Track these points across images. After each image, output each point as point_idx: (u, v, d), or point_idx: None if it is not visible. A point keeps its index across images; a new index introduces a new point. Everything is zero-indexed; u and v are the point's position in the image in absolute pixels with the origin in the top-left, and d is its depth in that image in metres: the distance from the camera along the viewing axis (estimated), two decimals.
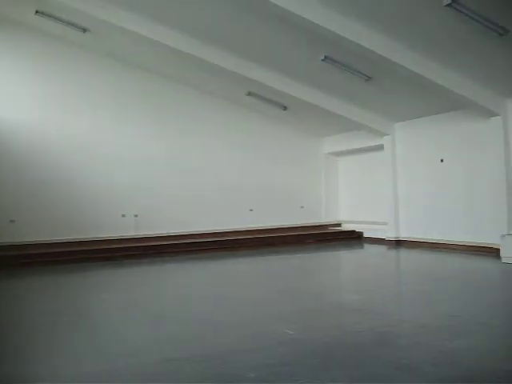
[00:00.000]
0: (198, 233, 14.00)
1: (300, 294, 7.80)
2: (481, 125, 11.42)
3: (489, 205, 11.19)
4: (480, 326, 5.58)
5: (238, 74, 11.76)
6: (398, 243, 13.68)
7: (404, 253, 12.63)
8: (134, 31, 10.38)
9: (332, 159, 17.13)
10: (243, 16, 9.52)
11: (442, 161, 12.60)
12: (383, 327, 5.57)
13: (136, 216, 13.31)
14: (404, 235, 13.71)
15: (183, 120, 14.46)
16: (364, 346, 4.88)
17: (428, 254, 11.93)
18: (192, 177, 14.40)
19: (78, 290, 8.70)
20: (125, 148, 13.49)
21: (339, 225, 16.80)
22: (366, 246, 14.53)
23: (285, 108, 14.42)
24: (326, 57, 10.45)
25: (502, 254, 10.03)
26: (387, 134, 14.03)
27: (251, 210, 15.20)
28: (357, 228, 15.91)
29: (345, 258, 12.86)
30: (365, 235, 15.54)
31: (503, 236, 10.21)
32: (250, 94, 13.77)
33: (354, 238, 15.58)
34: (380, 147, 14.39)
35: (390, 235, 14.00)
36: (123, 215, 13.19)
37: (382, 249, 13.51)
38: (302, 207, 16.21)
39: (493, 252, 10.66)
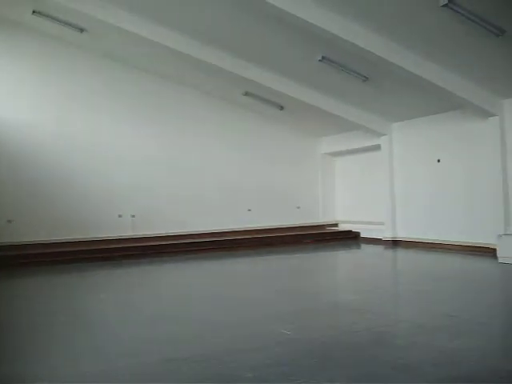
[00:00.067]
0: (197, 233, 14.01)
1: (298, 294, 7.81)
2: (478, 125, 11.45)
3: (485, 205, 11.22)
4: (478, 325, 5.59)
5: (235, 73, 11.77)
6: (395, 243, 13.72)
7: (401, 253, 12.65)
8: (131, 31, 10.38)
9: (329, 159, 17.14)
10: (240, 16, 9.52)
11: (438, 161, 12.63)
12: (380, 327, 5.58)
13: (133, 216, 13.31)
14: (401, 235, 13.74)
15: (181, 120, 14.46)
16: (361, 345, 4.89)
17: (425, 254, 11.95)
18: (190, 177, 14.41)
19: (76, 290, 8.70)
20: (123, 148, 13.49)
21: (336, 225, 16.83)
22: (363, 246, 14.55)
23: (282, 108, 14.44)
24: (323, 57, 10.46)
25: (498, 254, 10.05)
26: (384, 134, 14.06)
27: (249, 210, 15.22)
28: (354, 228, 15.94)
29: (342, 258, 12.88)
30: (362, 235, 15.56)
31: (500, 236, 10.24)
32: (246, 93, 13.78)
33: (350, 238, 15.61)
34: (377, 147, 14.42)
35: (386, 235, 14.04)
36: (120, 215, 13.19)
37: (378, 249, 13.53)
38: (298, 207, 16.22)
39: (489, 252, 10.68)
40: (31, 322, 6.40)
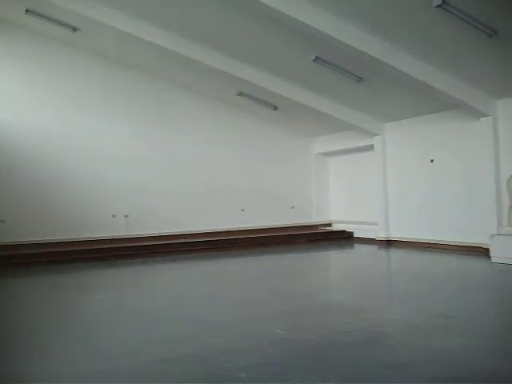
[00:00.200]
0: (190, 233, 14.00)
1: (291, 294, 7.80)
2: (471, 125, 11.46)
3: (479, 205, 11.24)
4: (472, 325, 5.61)
5: (229, 74, 11.76)
6: (389, 243, 13.73)
7: (394, 253, 12.67)
8: (124, 31, 10.39)
9: (322, 159, 17.15)
10: (234, 16, 9.51)
11: (432, 161, 12.65)
12: (374, 327, 5.58)
13: (126, 216, 13.28)
14: (394, 235, 13.76)
15: (174, 120, 14.43)
16: (355, 345, 4.89)
17: (418, 254, 11.97)
18: (183, 177, 14.38)
19: (71, 290, 8.69)
20: (117, 148, 13.46)
21: (330, 225, 16.84)
22: (357, 245, 14.55)
23: (275, 108, 14.43)
24: (316, 57, 10.46)
25: (491, 253, 10.07)
26: (377, 134, 14.08)
27: (243, 210, 15.20)
28: (347, 228, 15.94)
29: (335, 258, 12.87)
30: (355, 235, 15.57)
31: (493, 236, 10.26)
32: (240, 94, 13.77)
33: (344, 238, 15.61)
34: (370, 147, 14.43)
35: (380, 235, 14.05)
36: (113, 216, 13.16)
37: (372, 249, 13.54)
38: (292, 207, 16.22)
39: (483, 252, 10.71)
40: (25, 321, 6.39)
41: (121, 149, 13.51)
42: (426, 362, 4.34)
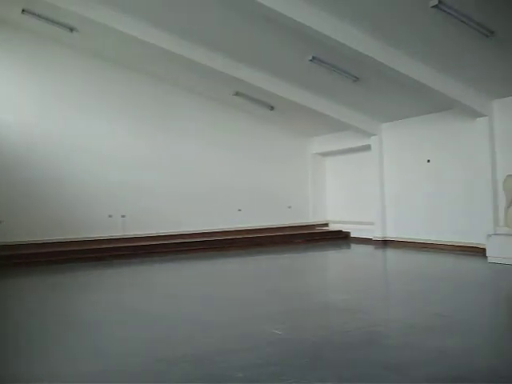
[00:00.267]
0: (188, 233, 14.01)
1: (289, 294, 7.81)
2: (467, 125, 11.48)
3: (475, 205, 11.26)
4: (469, 325, 5.61)
5: (226, 73, 11.75)
6: (385, 243, 13.75)
7: (391, 253, 12.69)
8: (121, 31, 10.37)
9: (319, 159, 17.17)
10: (231, 16, 9.50)
11: (428, 161, 12.67)
12: (371, 327, 5.59)
13: (123, 216, 13.27)
14: (391, 235, 13.77)
15: (171, 120, 14.42)
16: (352, 345, 4.90)
17: (415, 254, 11.99)
18: (180, 177, 14.38)
19: (69, 290, 8.71)
20: (115, 148, 13.47)
21: (326, 225, 16.84)
22: (353, 245, 14.57)
23: (272, 108, 14.43)
24: (313, 57, 10.46)
25: (488, 253, 10.09)
26: (374, 135, 14.09)
27: (239, 210, 15.21)
28: (344, 228, 15.94)
29: (332, 258, 12.89)
30: (352, 235, 15.58)
31: (489, 236, 10.29)
32: (237, 94, 13.77)
33: (341, 238, 15.62)
34: (367, 147, 14.44)
35: (376, 235, 14.07)
36: (110, 216, 13.14)
37: (369, 249, 13.56)
38: (289, 207, 16.24)
39: (479, 252, 10.73)
40: (25, 322, 6.39)
41: (119, 150, 13.52)
42: (423, 362, 4.34)
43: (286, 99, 12.80)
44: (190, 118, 14.67)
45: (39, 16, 10.99)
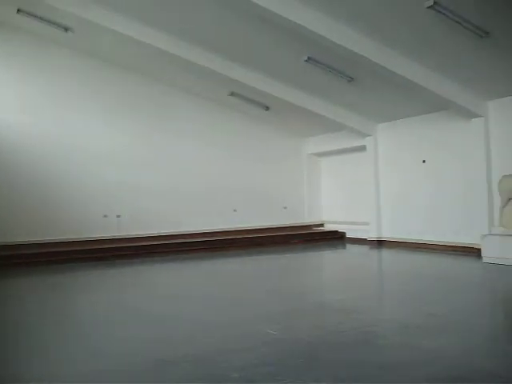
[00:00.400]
0: (188, 233, 14.05)
1: (287, 294, 7.82)
2: (463, 126, 11.50)
3: (470, 205, 11.28)
4: (463, 325, 5.61)
5: (221, 74, 11.74)
6: (380, 243, 13.77)
7: (386, 253, 12.70)
8: (118, 32, 10.37)
9: (314, 159, 17.17)
10: (225, 16, 9.49)
11: (424, 161, 12.68)
12: (366, 327, 5.59)
13: (118, 216, 13.26)
14: (386, 235, 13.79)
15: (167, 121, 14.43)
16: (347, 345, 4.90)
17: (410, 254, 12.00)
18: (178, 177, 14.40)
19: (70, 290, 8.75)
20: (114, 149, 13.48)
21: (322, 225, 16.85)
22: (349, 246, 14.60)
23: (267, 108, 14.43)
24: (309, 57, 10.46)
25: (483, 253, 10.11)
26: (369, 135, 14.11)
27: (235, 211, 15.21)
28: (339, 228, 15.96)
29: (328, 258, 12.90)
30: (347, 235, 15.59)
31: (484, 236, 10.31)
32: (232, 94, 13.76)
33: (336, 238, 15.65)
34: (362, 148, 14.46)
35: (372, 235, 14.08)
36: (105, 216, 13.12)
37: (364, 249, 13.58)
38: (284, 208, 16.24)
39: (474, 252, 10.75)
40: (25, 322, 6.39)
41: (118, 150, 13.54)
42: (419, 363, 4.35)
43: (282, 99, 12.80)
44: (185, 118, 14.67)
45: (34, 16, 10.97)
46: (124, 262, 11.63)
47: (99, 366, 4.55)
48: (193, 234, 14.07)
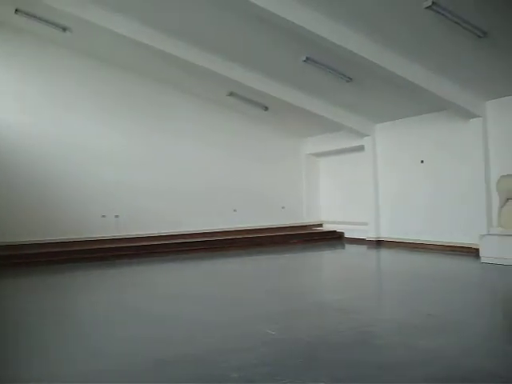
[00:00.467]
0: (188, 233, 14.06)
1: (286, 294, 7.85)
2: (461, 126, 11.50)
3: (468, 205, 11.28)
4: (462, 325, 5.63)
5: (220, 74, 11.75)
6: (379, 243, 13.78)
7: (384, 253, 12.72)
8: (116, 32, 10.38)
9: (313, 159, 17.18)
10: (224, 16, 9.49)
11: (422, 162, 12.70)
12: (365, 327, 5.61)
13: (117, 216, 13.26)
14: (384, 235, 13.80)
15: (166, 121, 14.45)
16: (346, 345, 4.91)
17: (408, 254, 12.01)
18: (177, 177, 14.42)
19: (70, 290, 8.79)
20: (112, 149, 13.51)
21: (321, 225, 16.86)
22: (348, 246, 14.61)
23: (266, 108, 14.44)
24: (307, 58, 10.46)
25: (481, 253, 10.12)
26: (367, 135, 14.12)
27: (235, 211, 15.22)
28: (338, 228, 15.97)
29: (327, 258, 12.92)
30: (346, 235, 15.60)
31: (482, 236, 10.32)
32: (231, 94, 13.76)
33: (335, 238, 15.65)
34: (361, 148, 14.47)
35: (370, 235, 14.09)
36: (103, 216, 13.13)
37: (362, 249, 13.60)
38: (283, 208, 16.25)
39: (472, 252, 10.76)
40: (25, 322, 6.40)
41: (118, 150, 13.57)
42: (417, 362, 4.36)
43: (280, 99, 12.82)
44: (184, 118, 14.69)
45: (32, 16, 10.96)
46: (124, 262, 11.64)
47: (99, 366, 4.56)
48: (193, 234, 14.09)
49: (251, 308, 6.86)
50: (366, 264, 11.59)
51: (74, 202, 12.80)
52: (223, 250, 13.51)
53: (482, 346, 4.97)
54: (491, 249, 9.93)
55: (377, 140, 14.11)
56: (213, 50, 11.11)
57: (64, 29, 11.30)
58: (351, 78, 11.13)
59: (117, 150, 13.55)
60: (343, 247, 14.49)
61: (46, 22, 11.09)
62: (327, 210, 16.88)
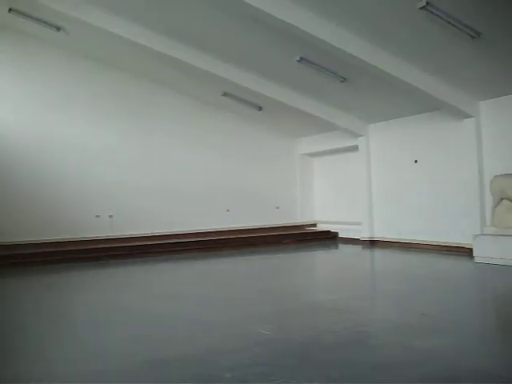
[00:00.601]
0: (182, 233, 14.05)
1: (279, 294, 7.83)
2: (454, 126, 11.53)
3: (462, 205, 11.31)
4: (455, 325, 5.63)
5: (214, 74, 11.73)
6: (373, 243, 13.79)
7: (378, 253, 12.72)
8: (109, 31, 10.36)
9: (307, 160, 17.20)
10: (218, 16, 9.48)
11: (416, 162, 12.72)
12: (359, 327, 5.60)
13: (111, 216, 13.24)
14: (378, 235, 13.82)
15: (160, 120, 14.43)
16: (340, 345, 4.91)
17: (402, 254, 12.02)
18: (171, 177, 14.42)
19: (65, 290, 8.76)
20: (107, 149, 13.50)
21: (314, 225, 16.86)
22: (341, 246, 14.61)
23: (260, 108, 14.43)
24: (301, 58, 10.46)
25: (474, 253, 10.13)
26: (361, 135, 14.13)
27: (228, 211, 15.21)
28: (332, 228, 15.97)
29: (321, 258, 12.92)
30: (340, 235, 15.61)
31: (476, 236, 10.33)
32: (225, 94, 13.75)
33: (329, 238, 15.66)
34: (355, 148, 14.48)
35: (364, 235, 14.11)
36: (97, 216, 13.10)
37: (356, 249, 13.60)
38: (277, 208, 16.25)
39: (466, 252, 10.78)
40: (22, 322, 6.39)
41: (112, 150, 13.57)
42: (411, 362, 4.36)
43: (274, 100, 12.81)
44: (178, 118, 14.67)
45: (25, 15, 10.93)
46: (118, 262, 11.63)
47: (99, 366, 4.55)
48: (186, 234, 14.08)
49: (244, 308, 6.85)
50: (360, 264, 11.60)
51: (69, 202, 12.78)
52: (216, 250, 13.50)
53: (476, 345, 4.98)
54: (485, 248, 9.95)
55: (371, 140, 14.13)
56: (207, 50, 11.10)
57: (58, 28, 11.28)
58: (345, 78, 11.14)
59: (112, 151, 13.54)
60: (337, 247, 14.49)
61: (40, 21, 11.05)
62: (321, 210, 16.89)
